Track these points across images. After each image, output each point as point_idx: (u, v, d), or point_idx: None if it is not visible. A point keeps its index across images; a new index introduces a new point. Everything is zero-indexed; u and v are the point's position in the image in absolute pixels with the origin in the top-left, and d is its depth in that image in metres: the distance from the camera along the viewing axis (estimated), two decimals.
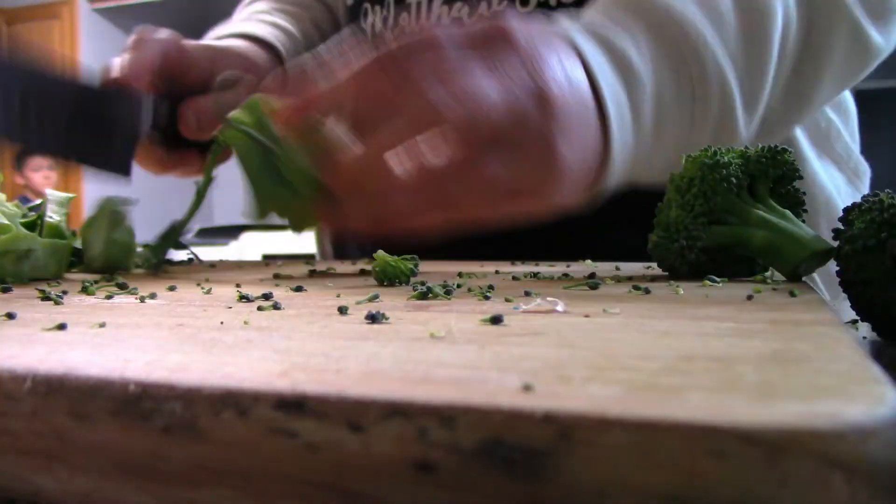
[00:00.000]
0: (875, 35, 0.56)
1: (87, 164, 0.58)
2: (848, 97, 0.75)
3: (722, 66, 0.50)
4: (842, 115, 0.73)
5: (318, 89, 0.44)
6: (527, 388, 0.15)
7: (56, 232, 0.49)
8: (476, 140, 0.40)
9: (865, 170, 0.73)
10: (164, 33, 0.62)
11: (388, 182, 0.41)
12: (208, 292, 0.37)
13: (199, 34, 0.73)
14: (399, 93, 0.41)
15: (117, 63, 0.60)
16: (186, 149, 0.62)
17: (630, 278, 0.39)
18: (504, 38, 0.43)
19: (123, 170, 0.59)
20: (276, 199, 0.46)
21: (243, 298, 0.33)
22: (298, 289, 0.37)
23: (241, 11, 0.82)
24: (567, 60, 0.44)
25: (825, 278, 0.60)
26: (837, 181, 0.69)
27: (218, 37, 0.72)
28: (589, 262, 0.53)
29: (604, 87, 0.45)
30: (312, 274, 0.48)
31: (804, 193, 0.40)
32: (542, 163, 0.42)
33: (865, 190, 0.72)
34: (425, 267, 0.50)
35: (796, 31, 0.53)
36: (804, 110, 0.56)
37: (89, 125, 0.58)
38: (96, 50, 3.93)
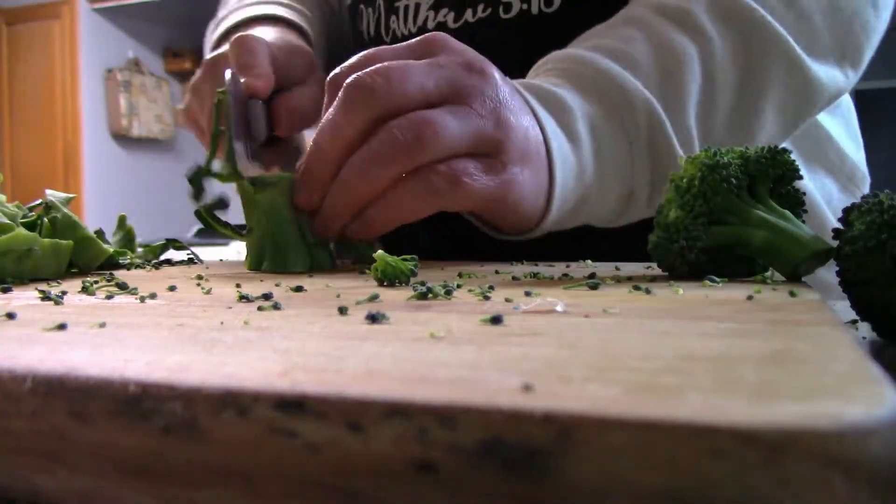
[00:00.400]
0: (815, 70, 0.57)
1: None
2: (847, 101, 0.75)
3: (646, 97, 0.52)
4: (837, 121, 0.72)
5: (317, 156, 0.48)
6: (527, 388, 0.15)
7: (70, 227, 0.50)
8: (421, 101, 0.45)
9: (864, 175, 0.72)
10: (262, 39, 0.60)
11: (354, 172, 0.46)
12: (208, 292, 0.37)
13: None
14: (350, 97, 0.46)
15: (249, 75, 0.57)
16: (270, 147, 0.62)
17: (630, 278, 0.39)
18: (443, 45, 0.48)
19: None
20: (285, 252, 0.49)
21: (243, 298, 0.33)
22: (298, 289, 0.37)
23: None
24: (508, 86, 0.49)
25: (816, 283, 0.60)
26: (829, 189, 0.69)
27: (238, 23, 0.71)
28: (589, 262, 0.53)
29: (542, 120, 0.49)
30: (312, 274, 0.48)
31: (804, 194, 0.40)
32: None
33: None
34: (425, 267, 0.50)
35: (728, 69, 0.55)
36: (750, 144, 0.56)
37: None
38: (96, 50, 3.93)
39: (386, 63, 0.46)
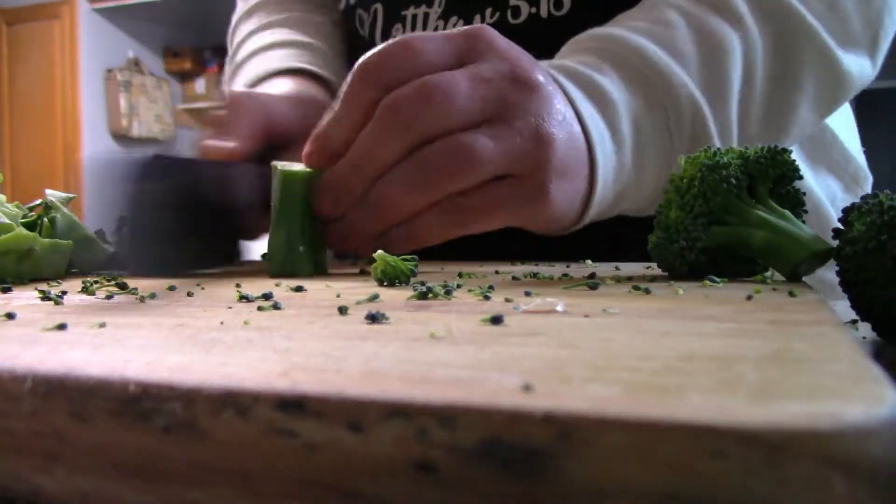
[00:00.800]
0: (846, 62, 0.56)
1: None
2: (846, 104, 0.74)
3: (690, 91, 0.51)
4: (841, 121, 0.72)
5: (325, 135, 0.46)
6: (527, 388, 0.15)
7: (71, 226, 0.50)
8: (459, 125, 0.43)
9: (867, 176, 0.72)
10: (258, 97, 0.59)
11: (372, 187, 0.45)
12: (207, 292, 0.37)
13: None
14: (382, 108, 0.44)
15: (216, 138, 0.55)
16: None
17: (630, 278, 0.39)
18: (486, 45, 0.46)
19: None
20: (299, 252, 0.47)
21: (243, 298, 0.33)
22: (298, 289, 0.37)
23: (245, 25, 0.79)
24: (557, 96, 0.47)
25: (816, 283, 0.60)
26: (832, 189, 0.69)
27: (260, 76, 0.69)
28: (589, 262, 0.53)
29: (586, 118, 0.47)
30: (312, 274, 0.48)
31: (804, 194, 0.40)
32: (533, 188, 0.45)
33: None
34: (425, 267, 0.50)
35: (765, 61, 0.54)
36: (782, 138, 0.56)
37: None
38: (96, 50, 3.93)
39: (427, 81, 0.43)
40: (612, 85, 0.50)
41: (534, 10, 0.63)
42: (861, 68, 0.58)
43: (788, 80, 0.55)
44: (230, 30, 0.83)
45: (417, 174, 0.43)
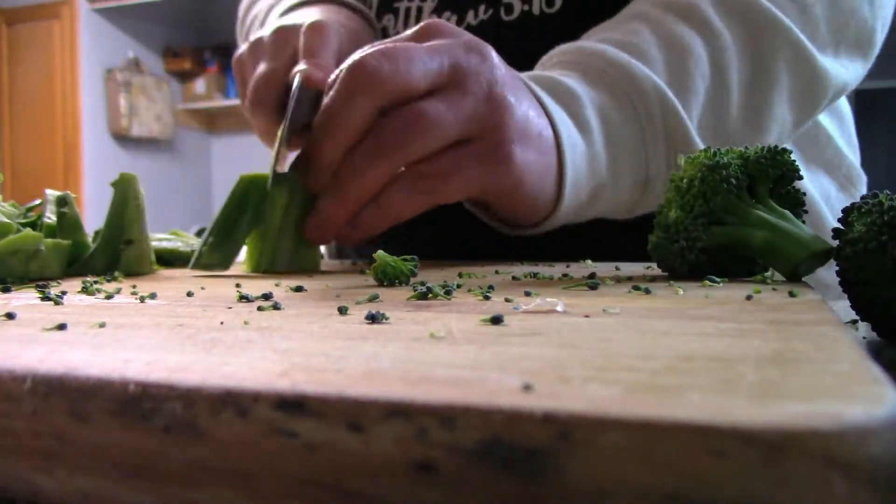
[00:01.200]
0: (823, 62, 0.57)
1: None
2: (843, 102, 0.75)
3: (655, 82, 0.52)
4: (835, 121, 0.72)
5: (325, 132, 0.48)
6: (527, 388, 0.15)
7: (74, 226, 0.50)
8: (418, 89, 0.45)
9: (860, 175, 0.73)
10: (331, 26, 0.59)
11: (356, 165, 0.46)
12: (207, 292, 0.37)
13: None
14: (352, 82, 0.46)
15: (311, 63, 0.56)
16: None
17: (630, 278, 0.39)
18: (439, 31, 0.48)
19: None
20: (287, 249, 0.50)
21: (243, 298, 0.33)
22: (298, 289, 0.37)
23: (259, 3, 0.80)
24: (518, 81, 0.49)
25: (816, 283, 0.61)
26: (827, 188, 0.69)
27: (292, 4, 0.69)
28: (589, 262, 0.53)
29: (546, 103, 0.48)
30: (313, 274, 0.48)
31: (804, 194, 0.40)
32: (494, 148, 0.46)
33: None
34: (425, 267, 0.50)
35: (738, 61, 0.55)
36: (762, 136, 0.57)
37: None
38: (96, 50, 3.93)
39: (386, 46, 0.45)
40: (575, 84, 0.52)
41: (526, 7, 0.63)
42: (835, 70, 0.58)
43: (763, 78, 0.55)
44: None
45: (376, 144, 0.45)
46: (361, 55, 0.45)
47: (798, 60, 0.55)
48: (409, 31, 0.49)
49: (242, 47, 0.63)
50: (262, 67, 0.58)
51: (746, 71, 0.55)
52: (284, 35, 0.59)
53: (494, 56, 0.48)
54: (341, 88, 0.46)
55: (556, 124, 0.48)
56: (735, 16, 0.55)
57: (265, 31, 0.61)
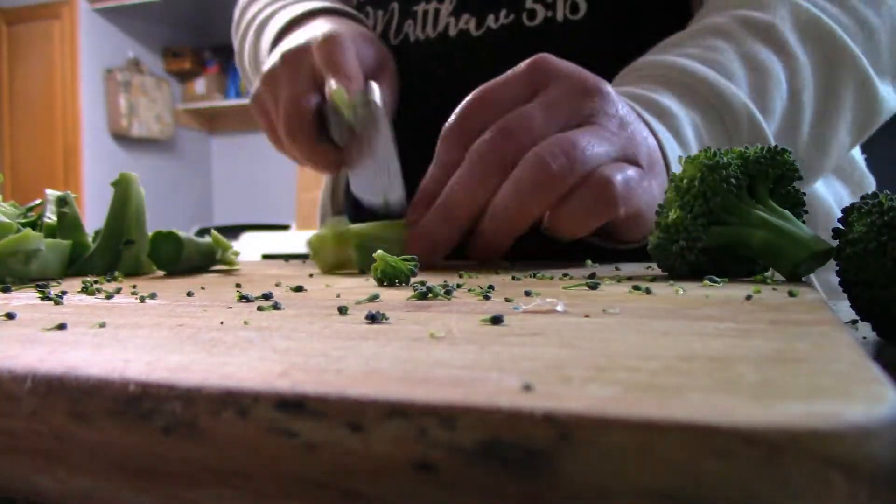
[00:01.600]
0: (884, 91, 0.59)
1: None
2: None
3: (742, 99, 0.54)
4: None
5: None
6: (527, 388, 0.15)
7: (74, 226, 0.50)
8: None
9: (871, 182, 0.73)
10: (347, 36, 0.60)
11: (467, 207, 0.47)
12: (207, 291, 0.37)
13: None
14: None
15: (338, 76, 0.57)
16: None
17: (630, 278, 0.39)
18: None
19: None
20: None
21: (243, 298, 0.33)
22: (298, 289, 0.37)
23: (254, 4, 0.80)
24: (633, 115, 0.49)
25: (824, 286, 0.61)
26: (841, 194, 0.70)
27: (295, 17, 0.69)
28: (589, 262, 0.53)
29: (653, 125, 0.51)
30: (312, 274, 0.48)
31: (804, 194, 0.40)
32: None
33: None
34: (425, 267, 0.50)
35: (811, 85, 0.56)
36: (825, 160, 0.59)
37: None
38: (96, 50, 3.93)
39: (504, 122, 0.46)
40: (669, 101, 0.52)
41: (550, 13, 0.63)
42: (891, 95, 0.60)
43: (831, 103, 0.57)
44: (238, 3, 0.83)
45: (534, 175, 0.45)
46: (482, 143, 0.46)
47: (863, 87, 0.57)
48: (516, 74, 0.49)
49: (256, 83, 0.63)
50: (285, 95, 0.58)
51: (818, 95, 0.56)
52: (295, 57, 0.59)
53: (612, 90, 0.48)
54: (462, 175, 0.47)
55: (663, 146, 0.49)
56: (809, 41, 0.56)
57: (273, 61, 0.61)
